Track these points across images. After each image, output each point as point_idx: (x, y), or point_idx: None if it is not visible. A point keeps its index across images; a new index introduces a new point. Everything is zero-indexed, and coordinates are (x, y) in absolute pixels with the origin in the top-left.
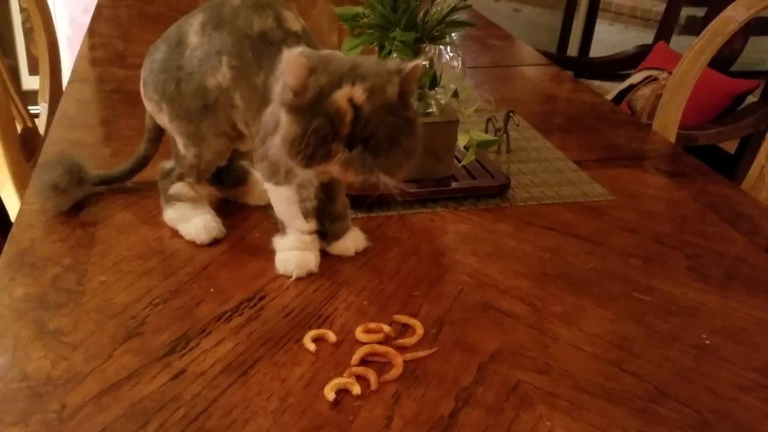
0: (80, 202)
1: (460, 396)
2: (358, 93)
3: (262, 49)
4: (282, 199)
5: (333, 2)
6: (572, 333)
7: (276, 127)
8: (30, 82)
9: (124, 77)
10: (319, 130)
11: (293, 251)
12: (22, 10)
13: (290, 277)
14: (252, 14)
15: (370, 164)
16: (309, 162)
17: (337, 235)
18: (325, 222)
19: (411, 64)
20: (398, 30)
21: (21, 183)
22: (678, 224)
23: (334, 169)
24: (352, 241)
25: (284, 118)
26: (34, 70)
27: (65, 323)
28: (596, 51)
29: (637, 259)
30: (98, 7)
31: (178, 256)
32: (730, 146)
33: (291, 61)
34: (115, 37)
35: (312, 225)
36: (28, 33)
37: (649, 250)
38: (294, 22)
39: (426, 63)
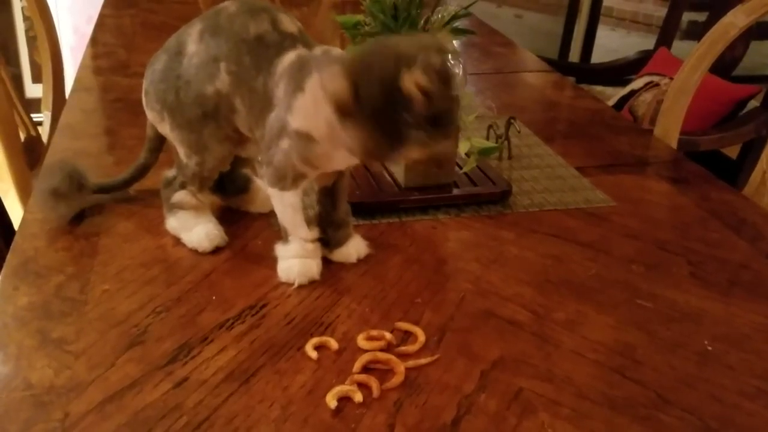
0: (83, 211)
1: (462, 404)
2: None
3: (259, 53)
4: (287, 207)
5: (335, 10)
6: (575, 340)
7: (281, 132)
8: (33, 90)
9: (127, 86)
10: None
11: (296, 259)
12: (26, 18)
13: (293, 284)
14: (248, 19)
15: (443, 143)
16: (396, 153)
17: (339, 243)
18: (328, 229)
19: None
20: None
21: (24, 192)
22: (680, 230)
23: (415, 153)
24: (354, 248)
25: (351, 130)
26: (37, 78)
27: (68, 332)
28: (598, 56)
29: (640, 265)
30: (101, 17)
31: (180, 265)
32: (732, 152)
33: (327, 81)
34: (119, 46)
35: (314, 233)
36: (31, 41)
37: (651, 256)
38: (289, 24)
39: None
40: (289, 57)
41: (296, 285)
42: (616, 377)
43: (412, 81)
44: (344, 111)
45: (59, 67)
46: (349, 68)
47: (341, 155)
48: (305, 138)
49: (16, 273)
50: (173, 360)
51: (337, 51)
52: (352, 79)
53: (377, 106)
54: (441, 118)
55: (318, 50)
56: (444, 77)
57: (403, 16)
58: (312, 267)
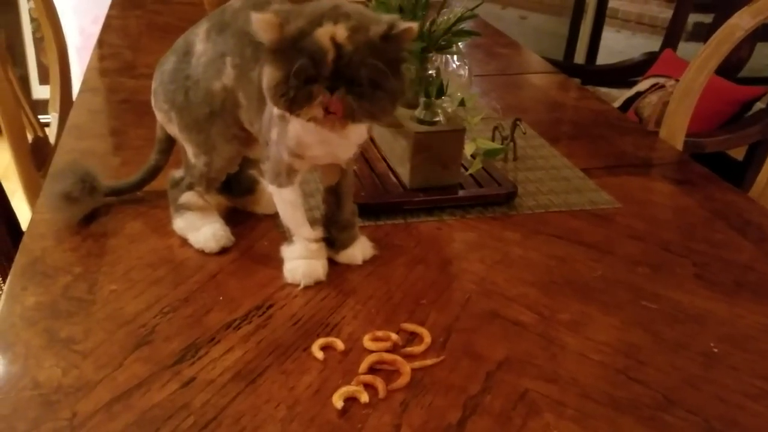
0: (91, 212)
1: (467, 404)
2: (341, 31)
3: (258, 44)
4: (287, 204)
5: None
6: (579, 341)
7: (271, 121)
8: (40, 92)
9: (133, 87)
10: (301, 70)
11: (301, 260)
12: (33, 20)
13: (298, 285)
14: (250, 12)
15: (352, 106)
16: (291, 105)
17: (344, 244)
18: (333, 230)
19: (405, 24)
20: None
21: (32, 192)
22: (685, 232)
23: (317, 112)
24: (360, 249)
25: (266, 66)
26: (44, 79)
27: (76, 332)
28: (603, 58)
29: (645, 266)
30: (108, 18)
31: (187, 265)
32: (738, 153)
33: (259, 21)
34: (125, 47)
35: (318, 233)
36: (38, 43)
37: (656, 257)
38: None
39: (433, 72)
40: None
41: (302, 286)
42: (621, 378)
43: (327, 33)
44: (269, 44)
45: (66, 69)
46: (280, 12)
47: (315, 140)
48: (283, 120)
49: (24, 273)
50: (180, 360)
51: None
52: (280, 19)
53: (295, 47)
54: (351, 82)
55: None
56: (373, 48)
57: (408, 18)
58: (317, 268)
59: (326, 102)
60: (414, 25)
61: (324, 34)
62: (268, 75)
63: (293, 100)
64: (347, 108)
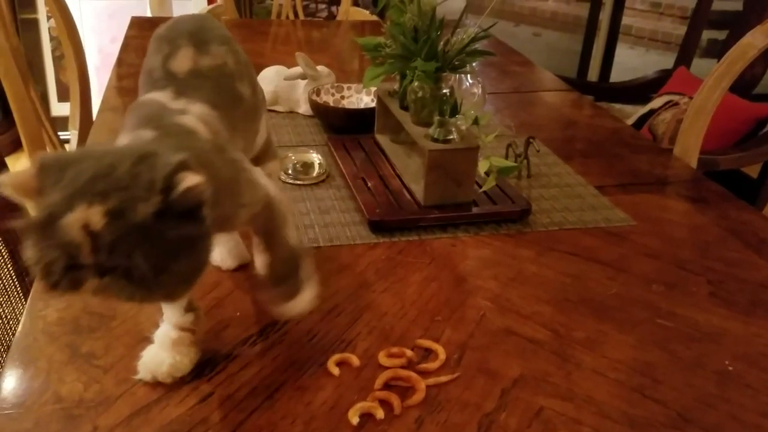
0: None
1: (482, 422)
2: (95, 218)
3: (145, 86)
4: None
5: (355, 32)
6: (595, 359)
7: None
8: (59, 109)
9: None
10: (53, 262)
11: (153, 348)
12: (52, 38)
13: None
14: (155, 45)
15: (132, 292)
16: (54, 290)
17: (283, 297)
18: (270, 285)
19: (186, 183)
20: (419, 60)
21: None
22: (700, 250)
23: (92, 296)
24: (297, 305)
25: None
26: (62, 96)
27: (97, 347)
28: (617, 74)
29: (660, 284)
30: (126, 38)
31: (204, 281)
32: (753, 171)
33: (11, 180)
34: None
35: (188, 318)
36: (57, 61)
37: (671, 275)
38: (184, 61)
39: (447, 90)
40: (144, 96)
41: (145, 380)
42: (636, 396)
43: (78, 220)
44: (24, 221)
45: (86, 87)
46: (45, 167)
47: None
48: None
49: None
50: (198, 375)
51: (96, 151)
52: (37, 183)
53: (46, 233)
54: (123, 269)
55: (171, 102)
56: (143, 231)
57: (423, 38)
58: (162, 364)
59: (97, 289)
60: (200, 181)
61: (74, 222)
62: (25, 247)
63: (54, 286)
64: (125, 294)
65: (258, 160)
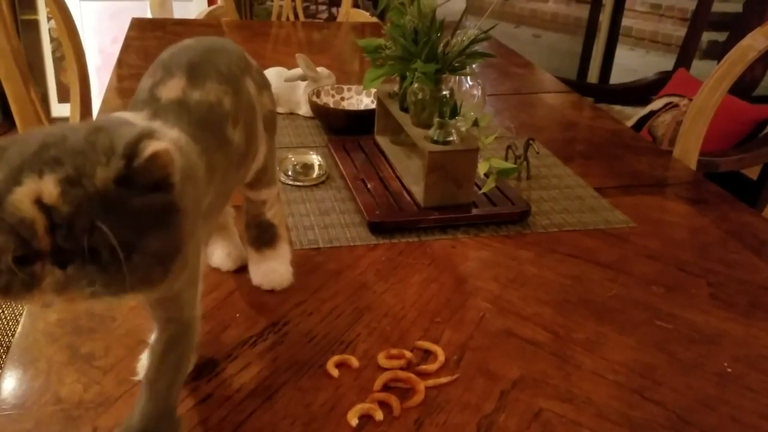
0: None
1: (482, 423)
2: (49, 187)
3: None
4: None
5: (355, 33)
6: (594, 361)
7: None
8: (59, 110)
9: None
10: (1, 253)
11: None
12: (52, 39)
13: (313, 303)
14: (149, 72)
15: (103, 281)
16: (7, 295)
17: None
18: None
19: (151, 148)
20: (419, 62)
21: None
22: (700, 252)
23: (51, 298)
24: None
25: None
26: (63, 97)
27: (97, 348)
28: (617, 76)
29: (659, 286)
30: (127, 39)
31: (205, 283)
32: (753, 173)
33: None
34: (144, 68)
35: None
36: (58, 62)
37: (671, 277)
38: (172, 89)
39: (447, 92)
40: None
41: (139, 379)
42: (636, 398)
43: (30, 193)
44: None
45: (86, 88)
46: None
47: None
48: None
49: None
50: (198, 376)
51: (44, 132)
52: None
53: None
54: (88, 251)
55: (142, 122)
56: (107, 199)
57: (423, 40)
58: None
59: (57, 284)
60: (163, 146)
61: (24, 196)
62: None
63: (7, 288)
64: (94, 286)
65: (251, 186)
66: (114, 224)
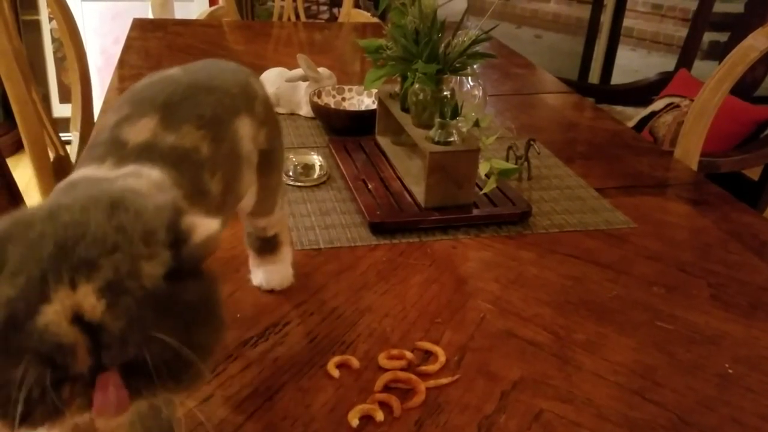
0: None
1: (482, 424)
2: (90, 301)
3: None
4: None
5: (356, 34)
6: (595, 362)
7: None
8: (60, 110)
9: None
10: (31, 386)
11: None
12: (54, 39)
13: (314, 303)
14: (117, 104)
15: (148, 391)
16: (20, 426)
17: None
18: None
19: (202, 231)
20: (420, 62)
21: None
22: (701, 253)
23: (79, 419)
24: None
25: None
26: (64, 98)
27: None
28: (618, 76)
29: (660, 287)
30: (128, 39)
31: None
32: (754, 173)
33: None
34: (145, 68)
35: None
36: (59, 62)
37: (671, 278)
38: (141, 131)
39: (447, 93)
40: (75, 174)
41: None
42: (637, 399)
43: (63, 313)
44: None
45: (88, 89)
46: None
47: None
48: None
49: None
50: None
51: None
52: None
53: (8, 345)
54: (123, 360)
55: (111, 172)
56: (156, 300)
57: (424, 40)
58: None
59: (96, 401)
60: (216, 227)
61: (59, 317)
62: None
63: (25, 417)
64: (133, 395)
65: (247, 214)
66: (171, 328)
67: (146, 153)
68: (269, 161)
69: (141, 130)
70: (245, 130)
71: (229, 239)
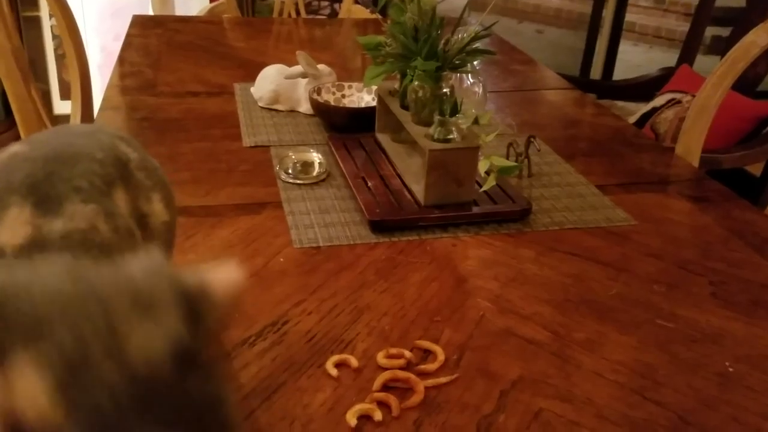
0: None
1: (481, 424)
2: (36, 401)
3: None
4: None
5: (357, 30)
6: (595, 360)
7: None
8: (61, 107)
9: (154, 105)
10: None
11: None
12: (54, 36)
13: (313, 302)
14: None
15: None
16: None
17: None
18: None
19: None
20: (419, 59)
21: None
22: (702, 250)
23: None
24: None
25: None
26: (64, 95)
27: None
28: (620, 71)
29: (661, 285)
30: (128, 36)
31: None
32: (756, 169)
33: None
34: (145, 65)
35: None
36: (59, 59)
37: (672, 276)
38: (18, 227)
39: (447, 90)
40: None
41: None
42: (637, 398)
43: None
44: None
45: (88, 86)
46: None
47: None
48: None
49: None
50: None
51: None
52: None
53: None
54: None
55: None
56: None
57: (423, 37)
58: None
59: None
60: (234, 279)
61: None
62: None
63: None
64: None
65: None
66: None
67: (35, 252)
68: (166, 238)
69: (14, 227)
70: (126, 202)
71: (228, 238)
